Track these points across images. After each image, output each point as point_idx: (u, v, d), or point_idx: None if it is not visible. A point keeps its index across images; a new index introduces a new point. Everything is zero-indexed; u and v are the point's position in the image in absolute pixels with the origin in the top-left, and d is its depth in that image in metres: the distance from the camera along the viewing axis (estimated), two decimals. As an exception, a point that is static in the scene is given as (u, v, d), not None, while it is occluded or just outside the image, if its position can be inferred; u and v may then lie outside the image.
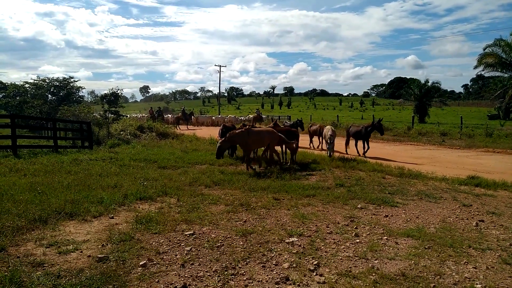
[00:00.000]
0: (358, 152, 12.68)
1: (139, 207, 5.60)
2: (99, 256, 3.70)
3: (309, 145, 15.32)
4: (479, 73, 43.14)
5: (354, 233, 4.65)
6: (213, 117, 36.77)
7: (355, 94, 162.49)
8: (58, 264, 3.55)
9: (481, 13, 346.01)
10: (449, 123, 28.38)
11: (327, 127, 11.94)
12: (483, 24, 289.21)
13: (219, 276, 3.44)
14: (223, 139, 8.50)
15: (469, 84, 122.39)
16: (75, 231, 4.47)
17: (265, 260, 3.82)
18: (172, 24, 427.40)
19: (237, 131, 9.00)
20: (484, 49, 31.62)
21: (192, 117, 33.73)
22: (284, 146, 10.42)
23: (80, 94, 29.22)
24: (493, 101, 40.32)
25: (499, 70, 31.90)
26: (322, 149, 14.07)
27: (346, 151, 13.04)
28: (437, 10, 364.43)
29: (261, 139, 8.90)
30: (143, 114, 37.03)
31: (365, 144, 12.34)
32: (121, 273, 3.41)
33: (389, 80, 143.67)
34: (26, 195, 5.65)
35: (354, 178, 8.30)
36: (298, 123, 14.65)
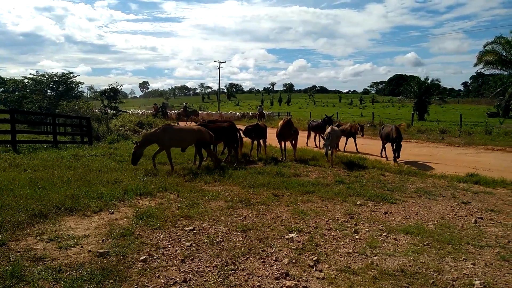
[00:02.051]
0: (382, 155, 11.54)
1: (139, 203, 5.61)
2: (100, 251, 3.71)
3: (307, 143, 14.54)
4: (479, 71, 42.93)
5: (353, 230, 4.67)
6: (223, 113, 38.80)
7: (354, 91, 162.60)
8: (58, 259, 3.55)
9: (482, 10, 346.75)
10: (449, 121, 28.38)
11: (331, 127, 10.51)
12: (483, 22, 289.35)
13: (219, 271, 3.45)
14: (137, 143, 8.20)
15: (469, 81, 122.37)
16: (75, 226, 4.48)
17: (265, 255, 3.84)
18: (171, 20, 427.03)
19: (152, 130, 8.84)
20: (484, 47, 31.58)
21: (199, 113, 34.15)
22: (284, 142, 10.41)
23: (80, 89, 29.13)
24: (492, 99, 40.28)
25: (499, 68, 31.88)
26: (357, 152, 12.48)
27: (381, 155, 11.63)
28: (437, 7, 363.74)
29: (182, 137, 8.52)
30: (144, 110, 37.25)
31: (393, 147, 10.44)
32: (122, 268, 3.42)
33: (388, 78, 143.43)
34: (26, 190, 5.64)
35: (354, 175, 8.33)
36: (327, 120, 14.14)
